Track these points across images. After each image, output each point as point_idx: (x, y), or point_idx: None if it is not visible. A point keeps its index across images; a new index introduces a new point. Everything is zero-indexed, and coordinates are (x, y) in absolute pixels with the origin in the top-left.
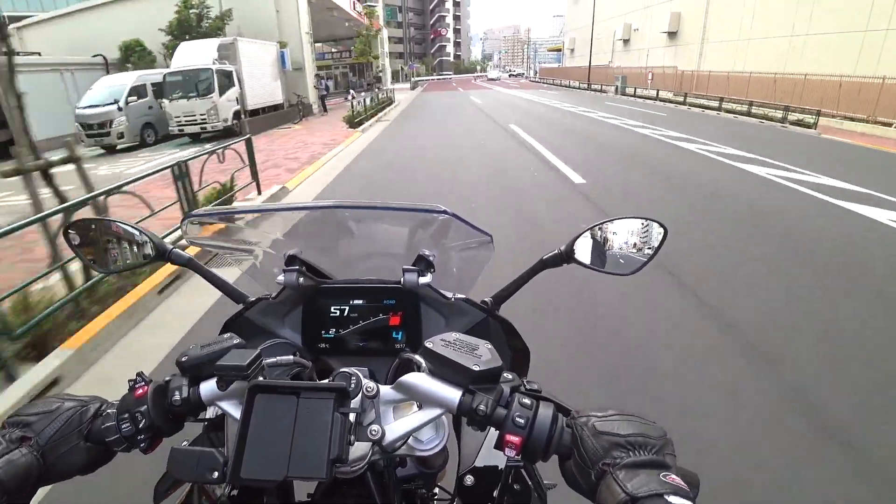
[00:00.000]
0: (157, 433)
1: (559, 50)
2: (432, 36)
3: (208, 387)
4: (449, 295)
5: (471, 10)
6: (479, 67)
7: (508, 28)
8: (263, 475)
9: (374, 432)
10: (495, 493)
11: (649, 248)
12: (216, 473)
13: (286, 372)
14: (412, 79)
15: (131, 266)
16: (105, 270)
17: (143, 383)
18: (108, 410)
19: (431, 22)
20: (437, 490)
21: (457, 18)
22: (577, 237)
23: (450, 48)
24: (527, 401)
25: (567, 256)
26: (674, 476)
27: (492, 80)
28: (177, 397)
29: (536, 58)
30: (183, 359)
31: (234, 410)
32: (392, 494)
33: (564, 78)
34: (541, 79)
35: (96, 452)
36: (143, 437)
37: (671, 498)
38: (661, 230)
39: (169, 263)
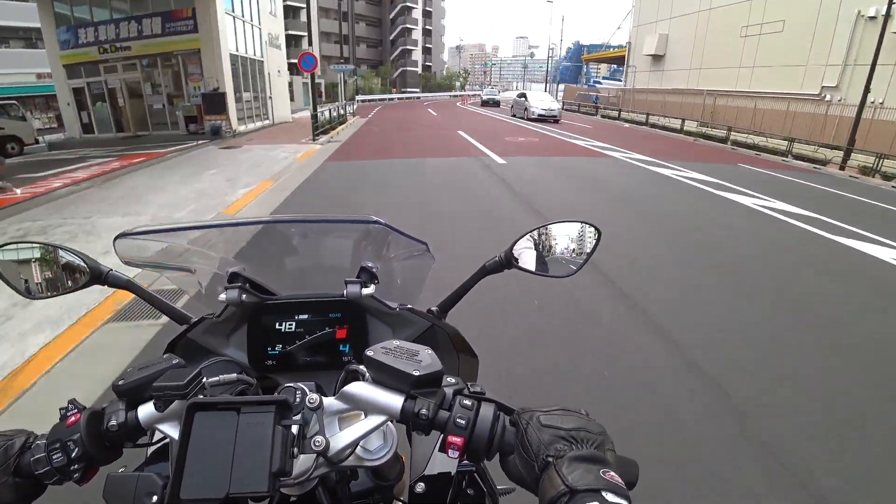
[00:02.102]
0: (93, 462)
1: (614, 59)
2: (392, 36)
3: (147, 410)
4: (394, 305)
5: (445, 6)
6: (458, 83)
7: (473, 46)
8: (204, 494)
9: (317, 443)
10: (448, 499)
11: (585, 250)
12: (155, 497)
13: (230, 390)
14: (338, 105)
15: (65, 290)
16: (36, 296)
17: (76, 410)
18: (37, 442)
19: (392, 15)
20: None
21: (427, 15)
22: (516, 242)
23: (417, 55)
24: (468, 402)
25: (508, 262)
26: (612, 473)
27: (487, 104)
28: (113, 422)
29: (546, 75)
30: (119, 382)
31: (174, 432)
32: None
33: (643, 110)
34: (570, 106)
35: (25, 488)
36: (76, 467)
37: (607, 495)
38: (596, 232)
39: (106, 286)
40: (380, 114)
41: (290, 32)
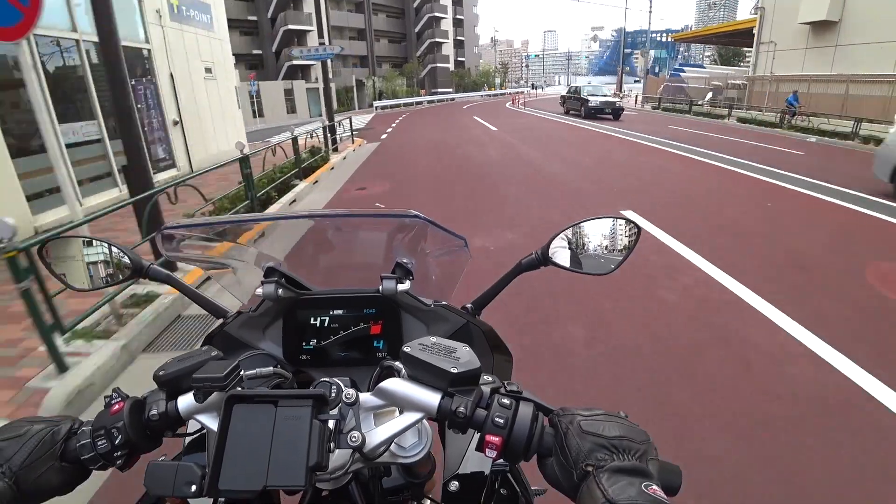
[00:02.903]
0: (135, 449)
1: (723, 38)
2: (417, 28)
3: (186, 400)
4: (428, 301)
5: None
6: (498, 80)
7: (502, 42)
8: (242, 486)
9: (354, 439)
10: (482, 499)
11: (624, 247)
12: (194, 487)
13: (266, 383)
14: (305, 130)
15: (108, 283)
16: (81, 289)
17: (120, 399)
18: (83, 428)
19: (416, 4)
20: (427, 502)
21: (458, 3)
22: (553, 239)
23: (448, 49)
24: (506, 401)
25: (544, 259)
26: (655, 487)
27: (600, 112)
28: (154, 412)
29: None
30: (160, 373)
31: (212, 423)
32: None
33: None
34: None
35: (72, 472)
36: (119, 453)
37: None
38: (635, 229)
39: (147, 279)
40: (402, 130)
41: (292, 27)
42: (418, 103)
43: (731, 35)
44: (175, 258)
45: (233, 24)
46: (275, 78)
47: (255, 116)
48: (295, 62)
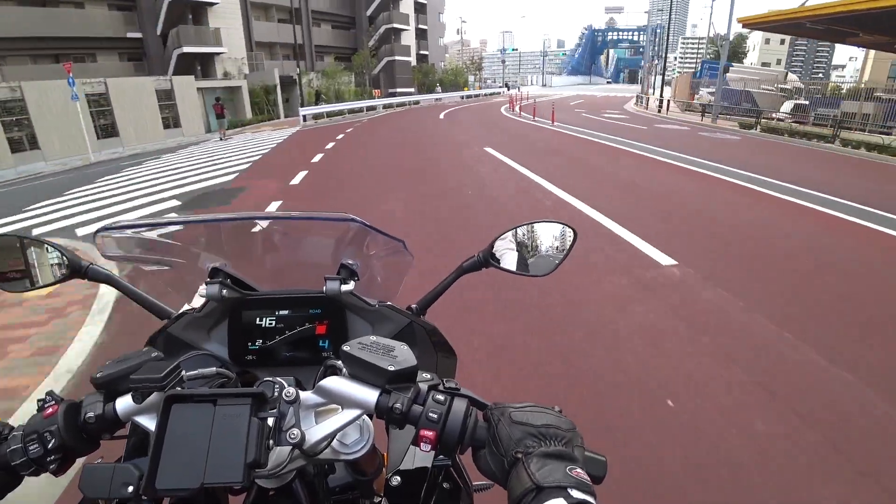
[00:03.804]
0: (70, 454)
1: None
2: (370, 10)
3: (125, 402)
4: (373, 302)
5: None
6: (472, 79)
7: (457, 43)
8: (179, 484)
9: (293, 436)
10: (423, 493)
11: (561, 250)
12: (131, 488)
13: (209, 384)
14: None
15: (44, 284)
16: (14, 289)
17: (53, 402)
18: (14, 433)
19: None
20: (377, 499)
21: None
22: (495, 241)
23: (408, 38)
24: (440, 397)
25: (485, 261)
26: (579, 470)
27: None
28: (90, 414)
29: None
30: (98, 374)
31: (151, 424)
32: (322, 502)
33: None
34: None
35: (2, 478)
36: (52, 458)
37: (573, 492)
38: (572, 233)
39: (86, 280)
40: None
41: None
42: (370, 109)
43: (841, 20)
44: (115, 258)
45: None
46: (163, 72)
47: (99, 137)
48: (185, 49)
